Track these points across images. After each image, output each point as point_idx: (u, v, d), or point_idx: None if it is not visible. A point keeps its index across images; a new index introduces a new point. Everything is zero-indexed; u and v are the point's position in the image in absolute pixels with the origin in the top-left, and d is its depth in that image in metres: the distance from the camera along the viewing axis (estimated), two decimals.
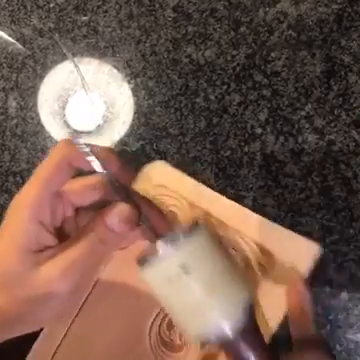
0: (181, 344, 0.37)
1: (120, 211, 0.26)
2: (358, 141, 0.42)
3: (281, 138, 0.43)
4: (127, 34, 0.48)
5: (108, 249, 0.27)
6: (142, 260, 0.25)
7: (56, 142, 0.48)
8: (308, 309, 0.33)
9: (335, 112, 0.43)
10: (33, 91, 0.49)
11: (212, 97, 0.45)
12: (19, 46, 0.50)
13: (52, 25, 0.50)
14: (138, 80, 0.47)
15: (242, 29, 0.46)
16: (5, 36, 0.51)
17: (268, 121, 0.44)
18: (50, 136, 0.48)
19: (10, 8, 0.51)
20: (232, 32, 0.46)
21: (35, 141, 0.48)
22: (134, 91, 0.47)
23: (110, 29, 0.49)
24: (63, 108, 0.48)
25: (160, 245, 0.24)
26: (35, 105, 0.49)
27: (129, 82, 0.48)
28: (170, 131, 0.45)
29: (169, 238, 0.24)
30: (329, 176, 0.42)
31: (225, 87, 0.45)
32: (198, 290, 0.24)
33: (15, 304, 0.24)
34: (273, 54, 0.45)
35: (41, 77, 0.49)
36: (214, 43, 0.46)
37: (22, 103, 0.49)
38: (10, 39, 0.50)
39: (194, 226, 0.25)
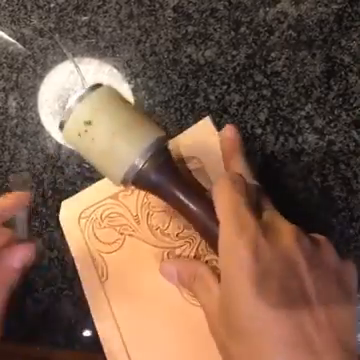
0: None
1: (22, 254, 0.28)
2: (358, 141, 0.42)
3: (281, 138, 0.43)
4: (127, 34, 0.48)
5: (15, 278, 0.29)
6: (61, 124, 0.30)
7: (56, 142, 0.48)
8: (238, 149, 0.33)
9: (335, 112, 0.43)
10: (33, 91, 0.49)
11: (212, 97, 0.45)
12: (19, 46, 0.50)
13: (52, 25, 0.50)
14: (138, 80, 0.47)
15: (242, 29, 0.46)
16: (5, 36, 0.51)
17: (268, 121, 0.44)
18: (50, 136, 0.48)
19: (10, 8, 0.51)
20: (232, 32, 0.46)
21: (35, 141, 0.48)
22: (134, 91, 0.47)
23: (110, 29, 0.49)
24: (63, 108, 0.48)
25: (68, 106, 0.28)
26: (35, 105, 0.49)
27: (129, 82, 0.48)
28: (170, 131, 0.45)
29: (76, 99, 0.28)
30: (329, 176, 0.42)
31: (225, 87, 0.45)
32: (104, 138, 0.28)
33: None
34: (273, 54, 0.45)
35: (41, 77, 0.49)
36: (214, 43, 0.46)
37: (22, 103, 0.49)
38: (10, 39, 0.51)
39: (96, 86, 0.30)
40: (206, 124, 0.40)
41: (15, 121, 0.49)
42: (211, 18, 0.47)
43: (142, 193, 0.36)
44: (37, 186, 0.47)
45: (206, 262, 0.36)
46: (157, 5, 0.48)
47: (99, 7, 0.49)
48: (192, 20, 0.47)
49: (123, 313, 0.36)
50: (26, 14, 0.51)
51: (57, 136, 0.48)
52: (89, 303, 0.37)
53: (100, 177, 0.46)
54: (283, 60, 0.45)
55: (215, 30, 0.47)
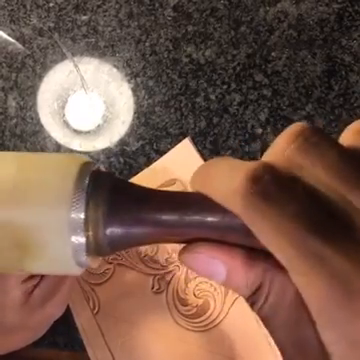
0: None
1: None
2: None
3: None
4: (127, 33, 0.48)
5: None
6: None
7: (56, 142, 0.47)
8: None
9: (336, 112, 0.43)
10: (32, 91, 0.49)
11: (212, 97, 0.45)
12: (19, 46, 0.50)
13: (52, 24, 0.50)
14: (138, 80, 0.47)
15: (242, 29, 0.46)
16: (4, 36, 0.50)
17: (269, 121, 0.44)
18: (49, 136, 0.48)
19: (10, 7, 0.51)
20: (232, 32, 0.46)
21: (34, 141, 0.48)
22: (134, 91, 0.47)
23: (110, 28, 0.49)
24: (63, 108, 0.48)
25: None
26: (35, 105, 0.49)
27: (129, 82, 0.47)
28: (170, 131, 0.45)
29: None
30: None
31: (225, 87, 0.45)
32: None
33: None
34: (273, 54, 0.45)
35: (41, 77, 0.49)
36: (214, 43, 0.46)
37: (21, 103, 0.49)
38: (10, 38, 0.50)
39: None
40: (186, 145, 0.39)
41: (14, 121, 0.48)
42: (211, 17, 0.47)
43: None
44: None
45: (196, 286, 0.36)
46: (157, 4, 0.48)
47: (99, 6, 0.49)
48: (192, 19, 0.47)
49: (117, 344, 0.36)
50: (25, 13, 0.51)
51: (56, 136, 0.47)
52: (82, 336, 0.37)
53: None
54: (283, 60, 0.45)
55: (215, 29, 0.47)
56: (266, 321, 0.16)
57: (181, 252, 0.17)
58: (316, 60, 0.44)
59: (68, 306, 0.41)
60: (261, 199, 0.13)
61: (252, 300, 0.16)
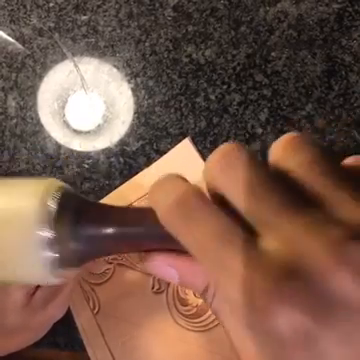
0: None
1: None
2: (359, 141, 0.42)
3: None
4: (127, 33, 0.48)
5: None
6: None
7: (55, 142, 0.47)
8: None
9: (336, 112, 0.43)
10: (32, 91, 0.49)
11: (212, 97, 0.45)
12: (19, 46, 0.50)
13: (52, 24, 0.50)
14: (138, 80, 0.47)
15: (242, 28, 0.46)
16: (4, 36, 0.50)
17: (269, 121, 0.44)
18: (49, 136, 0.48)
19: (10, 8, 0.51)
20: (232, 31, 0.46)
21: (34, 141, 0.48)
22: (134, 91, 0.47)
23: (110, 28, 0.49)
24: (63, 108, 0.48)
25: None
26: (35, 105, 0.49)
27: (129, 82, 0.47)
28: (170, 131, 0.45)
29: None
30: None
31: (225, 87, 0.45)
32: None
33: None
34: (273, 54, 0.45)
35: (41, 77, 0.49)
36: (214, 43, 0.46)
37: (21, 103, 0.49)
38: (10, 38, 0.50)
39: None
40: (186, 145, 0.39)
41: (14, 121, 0.48)
42: (211, 17, 0.47)
43: None
44: None
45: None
46: (157, 4, 0.48)
47: (99, 6, 0.49)
48: (192, 19, 0.47)
49: (117, 344, 0.36)
50: (25, 13, 0.51)
51: (56, 136, 0.47)
52: (82, 336, 0.37)
53: (99, 179, 0.46)
54: (283, 60, 0.45)
55: (215, 29, 0.47)
56: (216, 314, 0.18)
57: (142, 260, 0.20)
58: (316, 60, 0.44)
59: (68, 306, 0.41)
60: (183, 219, 0.16)
61: (203, 297, 0.18)
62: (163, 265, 0.19)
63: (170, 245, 0.19)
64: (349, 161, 0.19)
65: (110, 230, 0.19)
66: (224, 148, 0.16)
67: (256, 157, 0.16)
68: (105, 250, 0.20)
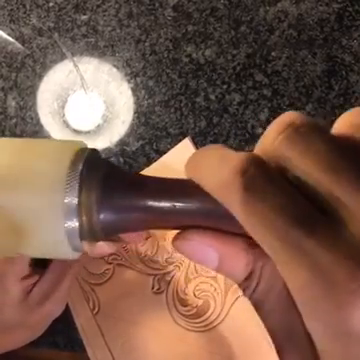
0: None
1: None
2: None
3: None
4: (127, 33, 0.48)
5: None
6: None
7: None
8: None
9: (336, 112, 0.43)
10: (32, 90, 0.49)
11: (212, 97, 0.45)
12: (18, 45, 0.50)
13: (51, 24, 0.50)
14: (138, 79, 0.47)
15: (242, 28, 0.46)
16: (4, 35, 0.50)
17: (269, 121, 0.44)
18: (49, 136, 0.48)
19: (9, 7, 0.51)
20: (232, 31, 0.46)
21: None
22: (134, 90, 0.47)
23: (110, 28, 0.49)
24: (62, 108, 0.48)
25: None
26: (34, 105, 0.48)
27: (129, 81, 0.47)
28: (170, 131, 0.45)
29: None
30: None
31: (225, 86, 0.45)
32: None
33: None
34: (274, 53, 0.45)
35: (40, 76, 0.49)
36: (214, 42, 0.46)
37: (21, 103, 0.49)
38: (9, 38, 0.50)
39: None
40: (186, 145, 0.39)
41: (14, 121, 0.48)
42: (211, 17, 0.47)
43: None
44: None
45: (196, 286, 0.36)
46: (157, 4, 0.48)
47: (98, 6, 0.49)
48: (192, 19, 0.47)
49: (117, 344, 0.36)
50: (25, 13, 0.50)
51: (56, 136, 0.47)
52: (82, 336, 0.37)
53: None
54: (283, 59, 0.45)
55: (215, 29, 0.47)
56: (257, 307, 0.16)
57: (174, 239, 0.17)
58: (316, 60, 0.44)
59: (68, 306, 0.41)
60: (246, 192, 0.13)
61: (244, 286, 0.16)
62: (201, 245, 0.16)
63: (212, 223, 0.16)
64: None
65: (142, 201, 0.17)
66: (288, 116, 0.14)
67: (329, 127, 0.15)
68: (132, 224, 0.18)
